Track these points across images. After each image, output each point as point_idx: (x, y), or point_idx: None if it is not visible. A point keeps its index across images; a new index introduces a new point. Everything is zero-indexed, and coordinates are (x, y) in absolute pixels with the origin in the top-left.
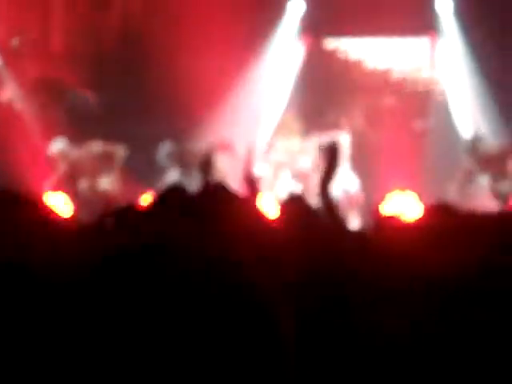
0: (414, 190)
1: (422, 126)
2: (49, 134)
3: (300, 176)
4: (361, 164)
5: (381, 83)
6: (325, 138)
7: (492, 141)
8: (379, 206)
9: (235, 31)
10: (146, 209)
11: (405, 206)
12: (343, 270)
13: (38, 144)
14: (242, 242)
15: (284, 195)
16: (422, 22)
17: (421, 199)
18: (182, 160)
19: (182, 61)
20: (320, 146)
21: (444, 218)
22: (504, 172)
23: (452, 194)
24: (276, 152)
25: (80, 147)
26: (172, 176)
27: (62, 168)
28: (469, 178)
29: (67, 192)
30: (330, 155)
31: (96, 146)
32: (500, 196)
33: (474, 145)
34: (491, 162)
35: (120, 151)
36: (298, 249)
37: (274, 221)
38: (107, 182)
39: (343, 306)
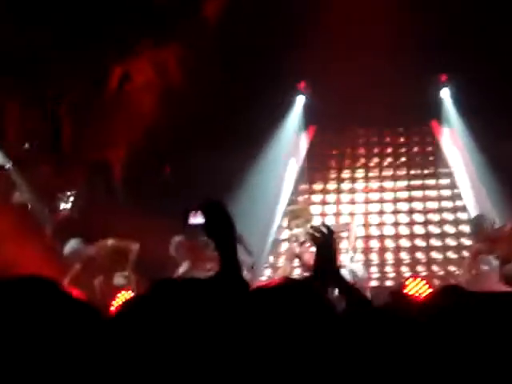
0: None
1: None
2: (62, 235)
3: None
4: (368, 250)
5: (386, 169)
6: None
7: (499, 222)
8: (396, 288)
9: (244, 123)
10: None
11: (417, 289)
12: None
13: (52, 244)
14: None
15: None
16: (424, 111)
17: (431, 283)
18: (192, 254)
19: (192, 158)
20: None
21: (452, 298)
22: None
23: (461, 276)
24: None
25: (93, 244)
26: (183, 269)
27: (76, 266)
28: (476, 259)
29: (83, 289)
30: (322, 239)
31: (110, 243)
32: (509, 279)
33: (481, 226)
34: (499, 244)
35: (133, 246)
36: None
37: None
38: (122, 278)
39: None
